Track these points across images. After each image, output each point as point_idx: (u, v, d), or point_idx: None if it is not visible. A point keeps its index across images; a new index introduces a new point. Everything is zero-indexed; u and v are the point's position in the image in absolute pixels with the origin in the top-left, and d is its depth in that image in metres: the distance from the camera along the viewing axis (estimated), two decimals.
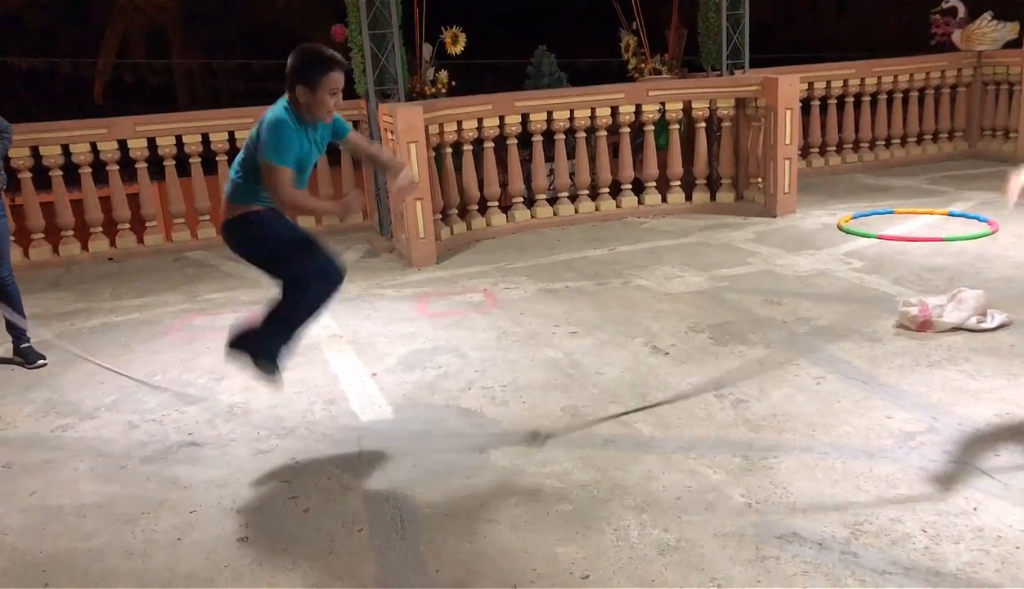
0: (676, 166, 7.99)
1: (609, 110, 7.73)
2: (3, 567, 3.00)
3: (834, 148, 9.50)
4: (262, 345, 3.59)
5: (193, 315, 5.74)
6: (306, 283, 3.48)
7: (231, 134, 7.62)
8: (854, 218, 7.21)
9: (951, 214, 7.13)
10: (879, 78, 9.35)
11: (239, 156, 3.51)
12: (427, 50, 7.70)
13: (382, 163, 4.08)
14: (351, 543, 3.02)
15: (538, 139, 7.66)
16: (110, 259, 7.51)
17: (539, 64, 9.35)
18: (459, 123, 7.21)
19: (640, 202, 8.01)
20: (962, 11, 9.68)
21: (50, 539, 3.16)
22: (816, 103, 9.27)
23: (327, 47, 3.43)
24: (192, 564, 2.95)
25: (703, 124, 7.86)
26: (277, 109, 3.36)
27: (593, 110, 7.69)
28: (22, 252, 7.32)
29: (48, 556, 3.05)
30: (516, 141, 7.63)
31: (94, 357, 4.96)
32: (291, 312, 3.53)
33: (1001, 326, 4.56)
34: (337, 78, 3.34)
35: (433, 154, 6.99)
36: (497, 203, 7.66)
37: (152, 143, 7.48)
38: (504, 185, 7.82)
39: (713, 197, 8.02)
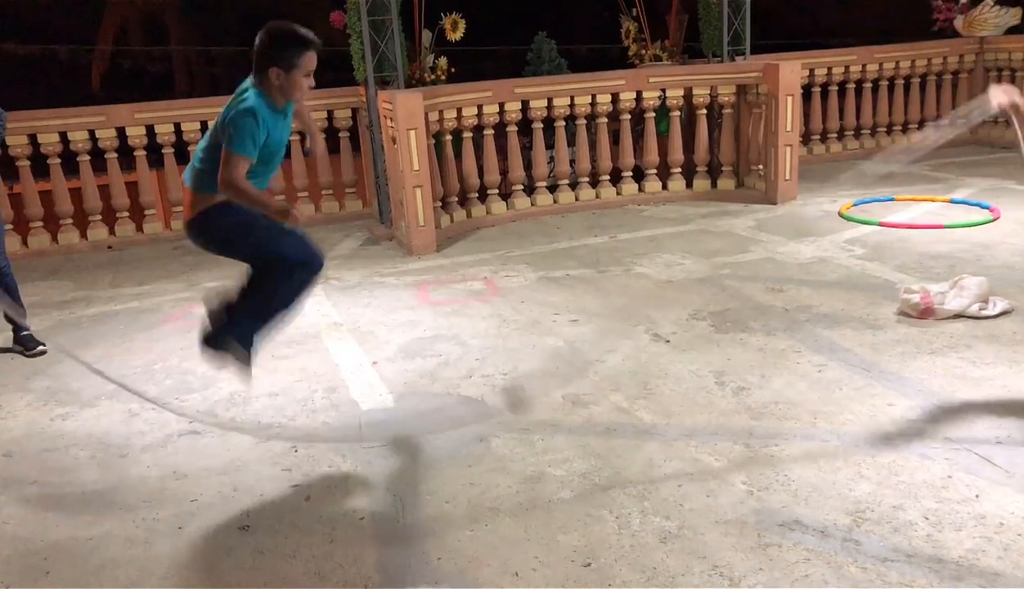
0: (677, 153, 7.97)
1: (609, 97, 7.70)
2: (4, 556, 3.00)
3: (835, 135, 9.47)
4: (236, 329, 3.39)
5: (192, 303, 5.72)
6: (291, 269, 3.32)
7: None
8: (855, 205, 7.19)
9: (953, 201, 7.11)
10: (880, 64, 9.31)
11: (203, 142, 3.29)
12: (426, 36, 7.66)
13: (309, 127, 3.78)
14: (352, 531, 3.02)
15: (538, 126, 7.63)
16: (109, 247, 7.49)
17: (539, 50, 9.32)
18: (459, 110, 7.18)
19: (641, 189, 7.99)
20: None
21: (51, 528, 3.15)
22: (817, 89, 9.23)
23: (299, 25, 3.22)
24: (193, 553, 2.95)
25: (704, 111, 7.83)
26: (247, 95, 3.17)
27: (593, 97, 7.65)
28: (21, 240, 7.31)
29: (49, 545, 3.05)
30: (516, 128, 7.60)
31: (94, 349, 4.96)
32: (271, 297, 3.36)
33: (1003, 313, 4.55)
34: (313, 58, 3.17)
35: (433, 141, 6.96)
36: (497, 191, 7.63)
37: (151, 131, 7.45)
38: (504, 172, 7.80)
39: (714, 184, 8.00)
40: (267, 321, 3.47)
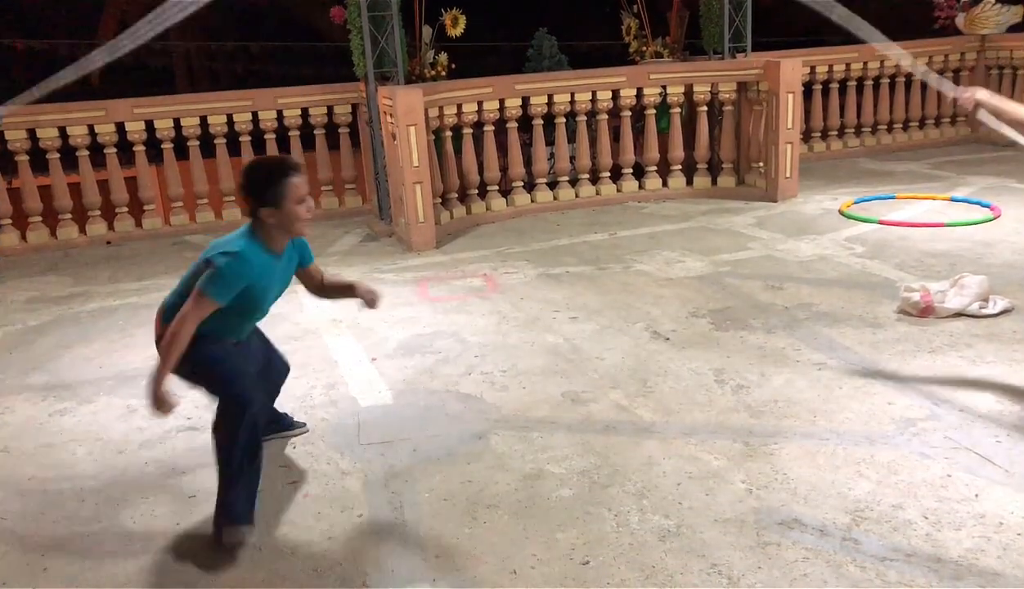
0: (677, 150, 7.95)
1: (610, 93, 7.69)
2: (2, 551, 3.00)
3: (836, 132, 9.46)
4: (233, 512, 2.98)
5: None
6: (225, 429, 2.99)
7: (229, 117, 7.58)
8: (856, 203, 7.18)
9: (953, 199, 7.10)
10: (881, 62, 9.29)
11: (186, 273, 3.12)
12: (427, 32, 7.64)
13: (350, 289, 3.45)
14: (350, 528, 3.01)
15: (538, 123, 7.61)
16: (108, 242, 7.48)
17: (540, 47, 9.29)
18: (459, 106, 7.17)
19: (641, 186, 7.98)
20: None
21: (49, 523, 3.15)
22: (818, 87, 9.22)
23: (272, 156, 3.05)
24: (191, 549, 2.95)
25: (704, 108, 7.82)
26: (238, 239, 2.99)
27: (594, 93, 7.64)
28: (20, 235, 7.29)
29: (47, 540, 3.05)
30: (516, 124, 7.59)
31: (93, 344, 4.96)
32: (227, 465, 2.99)
33: (1003, 312, 4.55)
34: (299, 183, 2.95)
35: (433, 137, 6.95)
36: (497, 187, 7.62)
37: (150, 126, 7.44)
38: (504, 169, 7.79)
39: (714, 181, 7.99)
40: (244, 479, 3.00)
